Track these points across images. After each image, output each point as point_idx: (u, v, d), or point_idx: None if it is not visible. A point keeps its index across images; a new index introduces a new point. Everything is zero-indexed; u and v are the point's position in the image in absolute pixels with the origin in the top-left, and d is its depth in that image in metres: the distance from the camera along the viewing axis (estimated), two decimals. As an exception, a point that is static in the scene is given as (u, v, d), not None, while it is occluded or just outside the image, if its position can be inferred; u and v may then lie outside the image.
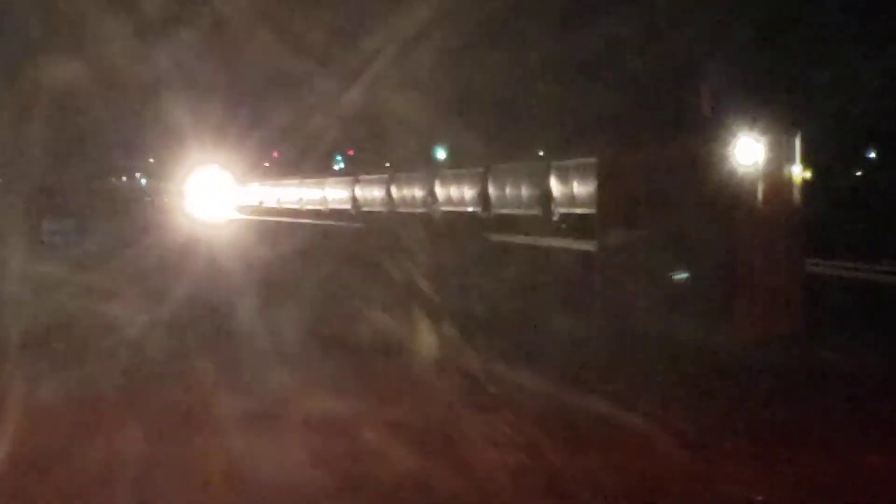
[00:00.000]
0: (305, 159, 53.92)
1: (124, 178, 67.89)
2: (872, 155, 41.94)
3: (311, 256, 23.59)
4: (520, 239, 27.63)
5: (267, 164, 57.46)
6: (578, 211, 27.78)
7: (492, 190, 33.25)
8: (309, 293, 17.56)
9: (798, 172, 15.17)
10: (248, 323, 15.03)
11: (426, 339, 13.85)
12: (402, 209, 41.10)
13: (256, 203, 54.91)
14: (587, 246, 19.25)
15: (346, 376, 12.27)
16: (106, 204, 43.38)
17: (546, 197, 29.82)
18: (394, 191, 42.24)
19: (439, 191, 37.61)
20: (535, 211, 30.49)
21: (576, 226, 26.96)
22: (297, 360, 12.97)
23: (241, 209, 45.33)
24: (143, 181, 68.71)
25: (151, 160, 66.82)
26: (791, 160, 15.09)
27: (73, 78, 26.71)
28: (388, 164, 47.18)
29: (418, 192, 39.73)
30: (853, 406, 11.02)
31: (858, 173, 40.57)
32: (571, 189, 28.23)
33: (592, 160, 20.80)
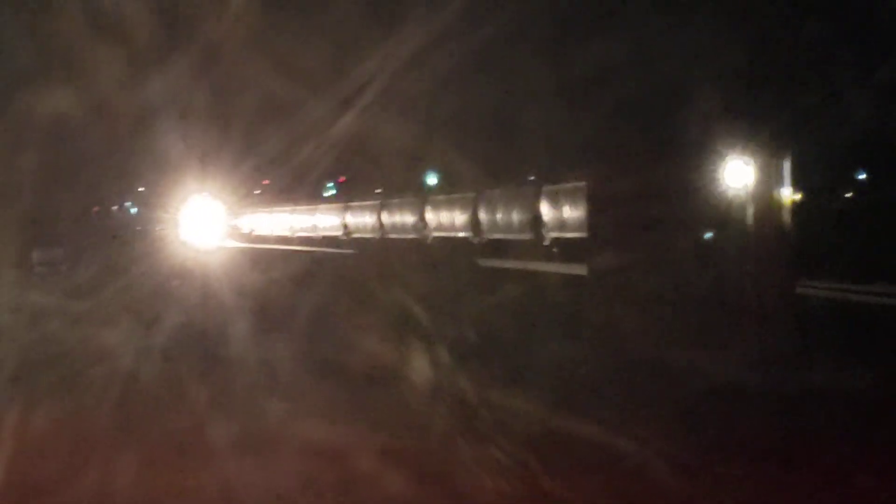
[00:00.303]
0: (296, 186, 53.93)
1: (114, 207, 67.82)
2: (863, 176, 41.97)
3: (302, 283, 23.55)
4: (511, 263, 27.65)
5: (258, 192, 57.41)
6: (569, 235, 27.80)
7: (482, 215, 33.28)
8: (300, 320, 17.54)
9: (788, 195, 15.21)
10: (240, 350, 15.00)
11: (419, 366, 13.82)
12: (393, 235, 41.12)
13: (248, 231, 54.93)
14: (578, 270, 19.27)
15: (339, 403, 12.25)
16: (97, 232, 43.34)
17: (537, 221, 29.84)
18: (384, 217, 42.27)
19: (430, 216, 37.64)
20: (527, 235, 30.51)
21: (567, 250, 26.98)
22: (290, 387, 12.95)
23: (233, 237, 45.31)
24: (134, 210, 68.65)
25: (141, 189, 66.74)
26: (781, 182, 15.14)
27: (64, 106, 26.71)
28: (378, 191, 47.20)
29: (409, 218, 39.75)
30: (845, 429, 11.01)
31: (849, 195, 40.58)
32: (562, 213, 28.27)
33: (583, 184, 20.85)
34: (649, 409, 11.80)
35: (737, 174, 14.75)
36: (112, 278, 22.64)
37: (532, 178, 33.30)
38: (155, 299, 19.44)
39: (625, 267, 15.49)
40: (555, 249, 29.26)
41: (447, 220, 36.23)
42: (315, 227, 51.03)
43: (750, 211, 14.84)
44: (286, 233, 53.05)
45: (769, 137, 15.14)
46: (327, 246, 44.12)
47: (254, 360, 14.35)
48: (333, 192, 58.33)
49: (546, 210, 29.34)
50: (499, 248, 31.78)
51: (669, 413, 11.63)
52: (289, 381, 13.24)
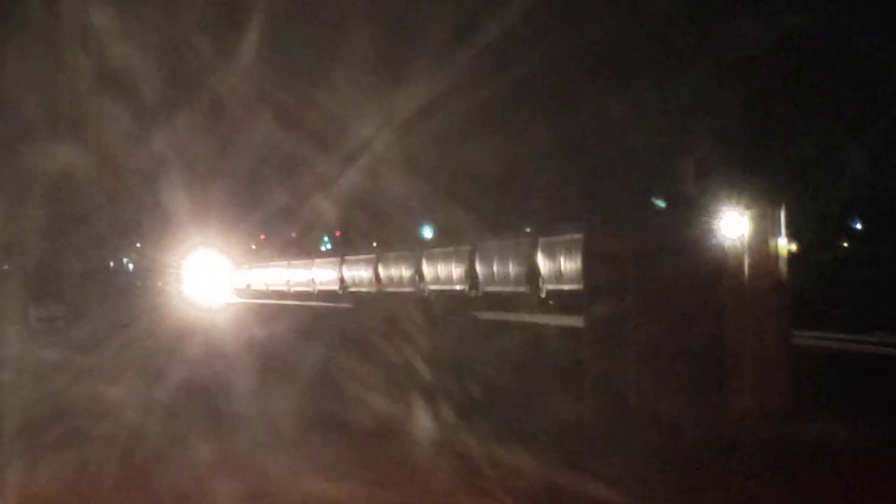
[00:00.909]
0: (293, 241, 54.02)
1: (111, 263, 67.77)
2: (858, 226, 42.10)
3: (300, 338, 23.58)
4: (508, 316, 27.66)
5: (254, 247, 57.51)
6: (566, 287, 27.81)
7: (479, 268, 33.30)
8: (300, 375, 17.55)
9: (784, 245, 15.26)
10: (240, 405, 15.02)
11: (420, 421, 13.84)
12: (389, 289, 41.12)
13: (244, 286, 54.89)
14: (575, 322, 19.31)
15: (342, 458, 12.28)
16: (98, 288, 43.32)
17: (533, 273, 29.87)
18: (381, 270, 42.29)
19: (427, 269, 37.66)
20: (523, 288, 30.53)
21: (564, 302, 27.01)
22: (293, 442, 12.98)
23: (231, 292, 45.36)
24: (131, 265, 68.65)
25: (139, 244, 66.78)
26: (776, 233, 15.19)
27: (69, 162, 26.89)
28: (375, 244, 47.26)
29: (406, 272, 39.77)
30: (842, 482, 11.05)
31: (845, 244, 40.71)
32: (559, 265, 28.30)
33: (579, 236, 20.89)
34: (646, 463, 11.84)
35: (733, 225, 14.81)
36: (113, 335, 22.65)
37: (528, 230, 33.37)
38: (158, 356, 19.43)
39: (621, 318, 15.52)
40: (551, 302, 29.30)
41: (444, 273, 36.25)
42: (311, 282, 51.02)
43: (746, 262, 14.89)
44: (283, 287, 53.04)
45: (764, 189, 15.21)
46: (324, 300, 44.13)
47: (254, 414, 14.37)
48: (329, 245, 58.42)
49: (543, 262, 29.37)
50: (496, 300, 31.81)
51: (668, 467, 11.67)
52: (292, 436, 13.26)
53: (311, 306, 41.34)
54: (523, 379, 16.76)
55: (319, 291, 48.49)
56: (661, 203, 15.59)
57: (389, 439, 13.27)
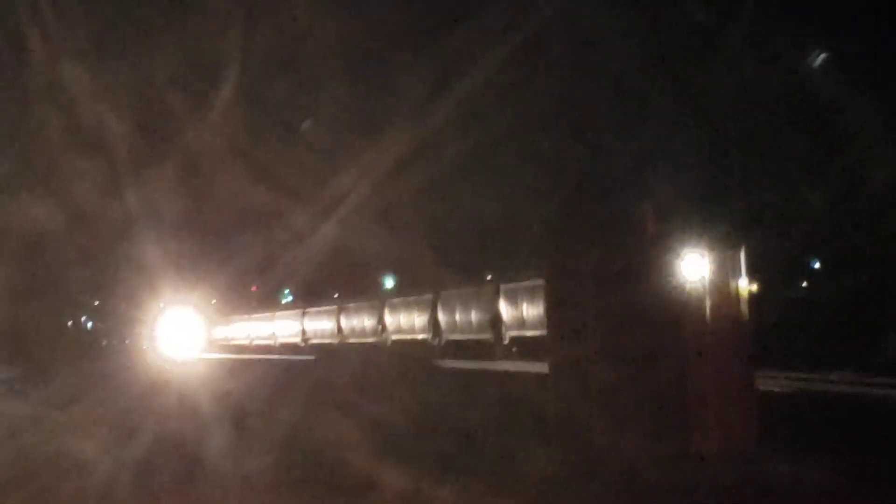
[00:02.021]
0: (254, 295, 53.85)
1: (70, 323, 67.23)
2: (817, 266, 42.39)
3: (260, 394, 23.42)
4: (471, 364, 27.60)
5: (214, 301, 57.20)
6: (529, 333, 27.83)
7: (441, 316, 33.30)
8: (259, 433, 17.41)
9: (745, 286, 15.28)
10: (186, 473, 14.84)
11: (389, 477, 13.71)
12: (352, 339, 41.03)
13: (206, 341, 54.56)
14: (539, 368, 19.26)
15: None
16: (56, 348, 42.81)
17: (496, 321, 29.88)
18: (343, 321, 42.19)
19: (389, 319, 37.61)
20: (486, 335, 30.54)
21: (527, 348, 26.99)
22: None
23: (193, 347, 45.02)
24: (89, 324, 68.18)
25: (97, 303, 66.36)
26: (737, 274, 15.21)
27: (35, 219, 26.80)
28: (336, 295, 47.19)
29: (368, 322, 39.71)
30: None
31: (804, 284, 40.97)
32: (521, 311, 28.32)
33: (541, 282, 20.88)
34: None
35: (694, 267, 14.82)
36: (73, 398, 22.36)
37: (489, 277, 33.43)
38: (101, 424, 19.23)
39: (584, 362, 15.47)
40: (514, 349, 29.29)
41: (406, 322, 36.24)
42: (273, 335, 50.85)
43: (708, 303, 14.89)
44: (244, 341, 52.83)
45: (725, 231, 15.25)
46: (286, 353, 43.95)
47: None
48: (290, 298, 58.25)
49: (505, 309, 29.39)
50: (459, 348, 31.78)
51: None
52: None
53: (272, 360, 41.08)
54: (488, 429, 16.64)
55: (282, 345, 48.34)
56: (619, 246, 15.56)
57: (356, 496, 13.15)
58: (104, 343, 59.76)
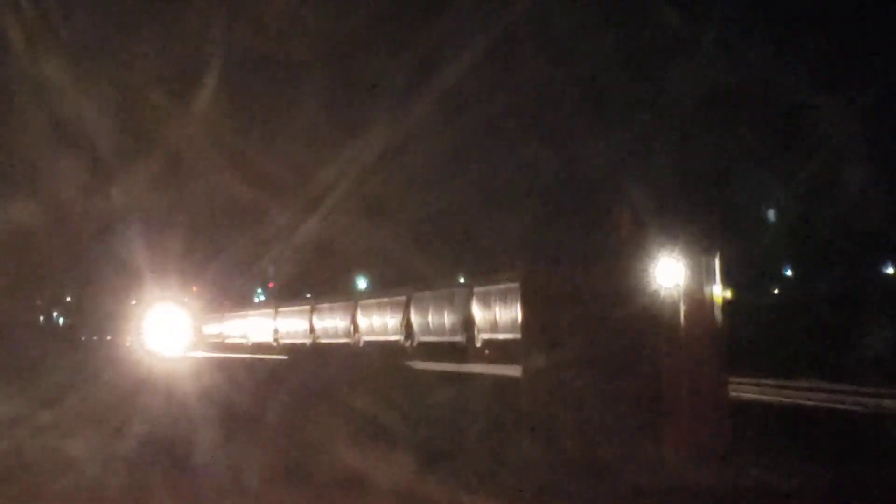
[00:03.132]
0: (225, 293, 53.70)
1: (41, 318, 66.95)
2: (789, 273, 42.65)
3: (231, 394, 23.37)
4: (443, 366, 27.59)
5: (186, 300, 57.02)
6: (502, 337, 27.84)
7: (414, 317, 33.27)
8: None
9: (719, 292, 15.33)
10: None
11: (380, 471, 13.71)
12: (324, 340, 40.96)
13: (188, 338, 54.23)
14: (512, 371, 19.27)
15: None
16: (33, 345, 42.47)
17: (469, 323, 29.88)
18: (315, 322, 42.11)
19: (361, 320, 37.57)
20: (459, 338, 30.53)
21: (500, 351, 27.00)
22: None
23: (174, 345, 44.81)
24: (61, 320, 67.93)
25: (68, 298, 66.16)
26: (711, 280, 15.26)
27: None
28: (308, 295, 47.12)
29: (340, 323, 39.66)
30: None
31: (776, 291, 41.20)
32: (494, 315, 28.31)
33: (515, 285, 20.88)
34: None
35: (668, 273, 14.85)
36: (57, 396, 22.22)
37: (462, 280, 33.44)
38: (100, 416, 19.17)
39: (558, 366, 15.49)
40: (486, 351, 29.30)
41: (379, 323, 36.19)
42: (245, 335, 50.74)
43: (682, 309, 14.93)
44: (215, 340, 52.64)
45: (699, 235, 15.28)
46: (258, 353, 43.84)
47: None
48: (262, 297, 58.14)
49: (478, 311, 29.38)
50: (431, 350, 31.76)
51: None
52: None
53: (244, 359, 40.95)
54: (462, 433, 16.64)
55: (254, 344, 48.22)
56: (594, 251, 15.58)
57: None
58: (82, 339, 59.45)
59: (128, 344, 46.66)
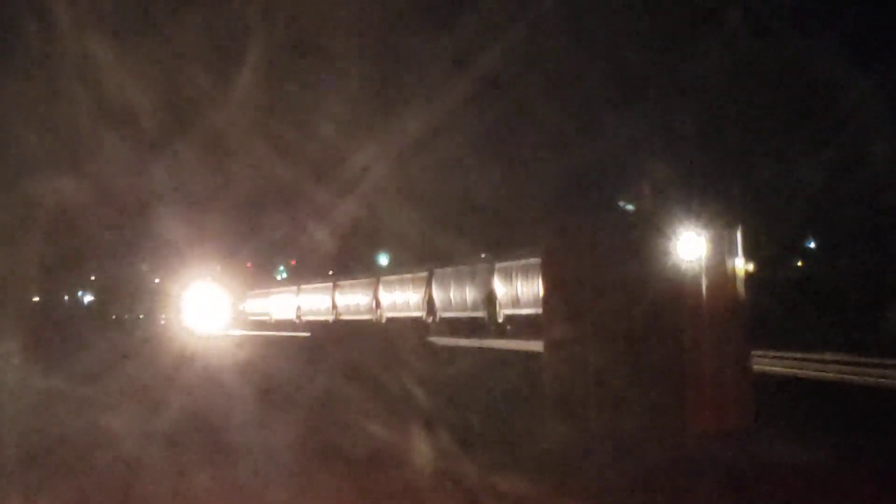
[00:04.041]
0: (249, 272, 53.81)
1: (66, 297, 67.11)
2: (812, 245, 42.48)
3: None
4: (466, 342, 27.59)
5: (203, 279, 57.32)
6: (523, 312, 27.82)
7: (436, 294, 33.29)
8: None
9: (741, 265, 15.25)
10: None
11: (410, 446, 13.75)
12: (346, 317, 41.02)
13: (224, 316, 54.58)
14: (534, 346, 19.26)
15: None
16: (59, 322, 42.68)
17: (491, 299, 29.87)
18: (338, 298, 42.17)
19: (384, 296, 37.60)
20: (481, 313, 30.53)
21: (521, 326, 26.98)
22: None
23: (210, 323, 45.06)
24: (86, 298, 68.08)
25: (93, 277, 66.33)
26: (733, 253, 15.17)
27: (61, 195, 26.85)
28: (331, 272, 47.17)
29: (363, 299, 39.70)
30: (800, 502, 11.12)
31: (799, 263, 41.05)
32: (516, 290, 28.30)
33: (536, 260, 20.85)
34: (606, 486, 11.83)
35: (690, 246, 14.78)
36: (95, 373, 22.31)
37: (484, 255, 33.42)
38: (139, 392, 19.28)
39: (580, 341, 15.45)
40: (508, 327, 29.30)
41: (401, 300, 36.23)
42: (267, 311, 50.84)
43: (704, 283, 14.85)
44: (251, 317, 52.71)
45: (721, 210, 15.19)
46: (280, 330, 43.90)
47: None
48: (284, 275, 58.22)
49: (499, 287, 29.36)
50: (453, 326, 31.79)
51: (633, 486, 11.67)
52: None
53: (267, 336, 41.06)
54: (486, 407, 16.63)
55: (276, 321, 48.31)
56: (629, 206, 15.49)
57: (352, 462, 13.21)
58: (113, 317, 59.63)
59: (162, 322, 46.91)
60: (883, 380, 18.26)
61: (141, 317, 56.92)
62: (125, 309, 60.52)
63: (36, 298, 56.78)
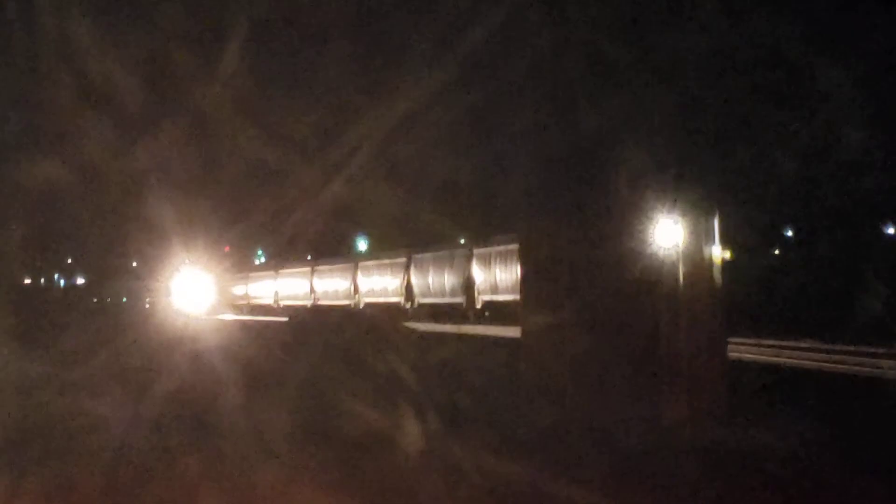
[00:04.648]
0: (226, 256, 53.72)
1: (42, 280, 66.87)
2: (789, 233, 42.63)
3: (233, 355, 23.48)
4: (444, 328, 27.64)
5: (187, 262, 57.08)
6: (501, 298, 27.85)
7: (414, 279, 33.28)
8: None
9: (718, 253, 15.33)
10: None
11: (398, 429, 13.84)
12: (324, 302, 40.99)
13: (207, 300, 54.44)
14: (511, 332, 19.32)
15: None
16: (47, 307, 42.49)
17: (469, 285, 29.88)
18: (316, 283, 42.15)
19: (362, 281, 37.61)
20: (459, 299, 30.53)
21: (499, 313, 27.03)
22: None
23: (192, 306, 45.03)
24: (62, 281, 67.93)
25: (69, 260, 66.19)
26: (710, 241, 15.25)
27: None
28: (309, 257, 47.14)
29: (340, 284, 39.68)
30: (773, 487, 11.21)
31: (776, 252, 41.19)
32: (494, 276, 28.32)
33: (514, 246, 20.90)
34: (587, 469, 11.90)
35: (667, 233, 14.85)
36: (78, 357, 22.30)
37: (462, 241, 33.41)
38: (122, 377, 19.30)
39: (558, 327, 15.51)
40: (486, 313, 29.33)
41: (379, 285, 36.20)
42: (246, 296, 50.78)
43: (681, 270, 14.92)
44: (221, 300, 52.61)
45: (698, 196, 15.26)
46: (258, 314, 43.92)
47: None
48: (263, 259, 58.11)
49: (478, 273, 29.37)
50: (432, 312, 31.80)
51: (608, 469, 11.76)
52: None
53: (243, 321, 41.06)
54: (465, 393, 16.67)
55: (254, 305, 48.28)
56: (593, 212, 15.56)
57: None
58: (94, 300, 59.48)
59: (146, 305, 46.79)
60: (858, 367, 18.37)
61: (125, 300, 56.80)
62: (108, 292, 60.41)
63: (28, 280, 56.82)
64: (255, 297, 49.27)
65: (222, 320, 40.79)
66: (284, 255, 51.11)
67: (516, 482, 11.38)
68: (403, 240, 36.71)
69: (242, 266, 53.60)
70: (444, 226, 35.54)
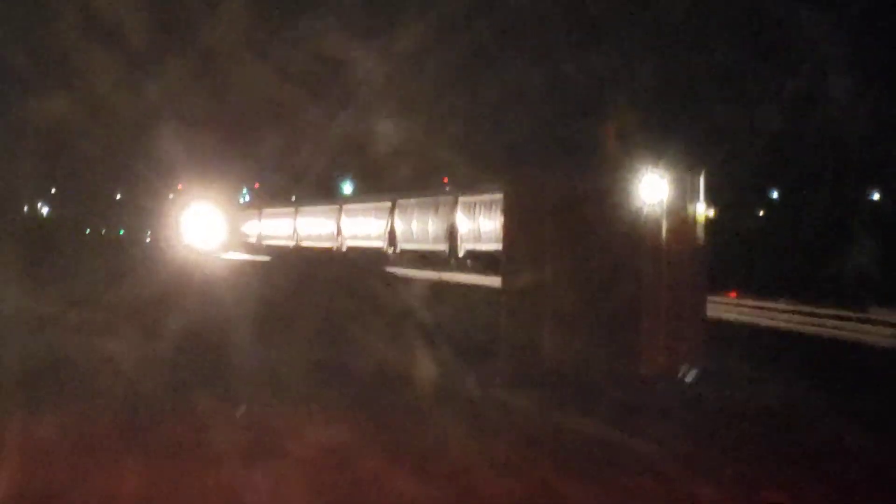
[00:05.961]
0: (210, 193, 53.52)
1: (25, 209, 66.28)
2: (775, 195, 42.63)
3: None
4: (426, 274, 27.57)
5: (172, 196, 56.88)
6: (484, 248, 27.79)
7: (398, 224, 33.19)
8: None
9: (702, 210, 15.25)
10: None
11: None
12: (307, 243, 40.89)
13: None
14: (492, 282, 19.24)
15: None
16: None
17: (452, 233, 29.82)
18: (299, 224, 42.04)
19: (345, 224, 37.50)
20: (442, 247, 30.47)
21: (482, 262, 26.97)
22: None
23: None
24: (45, 210, 67.48)
25: (53, 190, 65.79)
26: (695, 198, 15.17)
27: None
28: (294, 198, 46.97)
29: (324, 226, 39.57)
30: (751, 440, 11.36)
31: (761, 213, 41.20)
32: (478, 225, 28.26)
33: (499, 196, 20.76)
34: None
35: (652, 189, 14.74)
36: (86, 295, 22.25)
37: (447, 187, 33.33)
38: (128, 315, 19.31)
39: (539, 282, 15.42)
40: (469, 262, 29.27)
41: (363, 229, 36.11)
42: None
43: (665, 227, 14.83)
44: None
45: (683, 154, 15.16)
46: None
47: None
48: (247, 198, 57.91)
49: (462, 221, 29.30)
50: (414, 257, 31.74)
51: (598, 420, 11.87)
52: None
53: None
54: (443, 342, 16.60)
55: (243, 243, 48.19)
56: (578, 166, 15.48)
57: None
58: (87, 232, 59.24)
59: (147, 241, 46.57)
60: (836, 331, 18.35)
61: (121, 233, 56.61)
62: (103, 224, 60.17)
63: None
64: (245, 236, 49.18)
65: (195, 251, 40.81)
66: (263, 194, 51.06)
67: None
68: (383, 183, 36.62)
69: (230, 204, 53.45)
70: (430, 171, 35.47)
